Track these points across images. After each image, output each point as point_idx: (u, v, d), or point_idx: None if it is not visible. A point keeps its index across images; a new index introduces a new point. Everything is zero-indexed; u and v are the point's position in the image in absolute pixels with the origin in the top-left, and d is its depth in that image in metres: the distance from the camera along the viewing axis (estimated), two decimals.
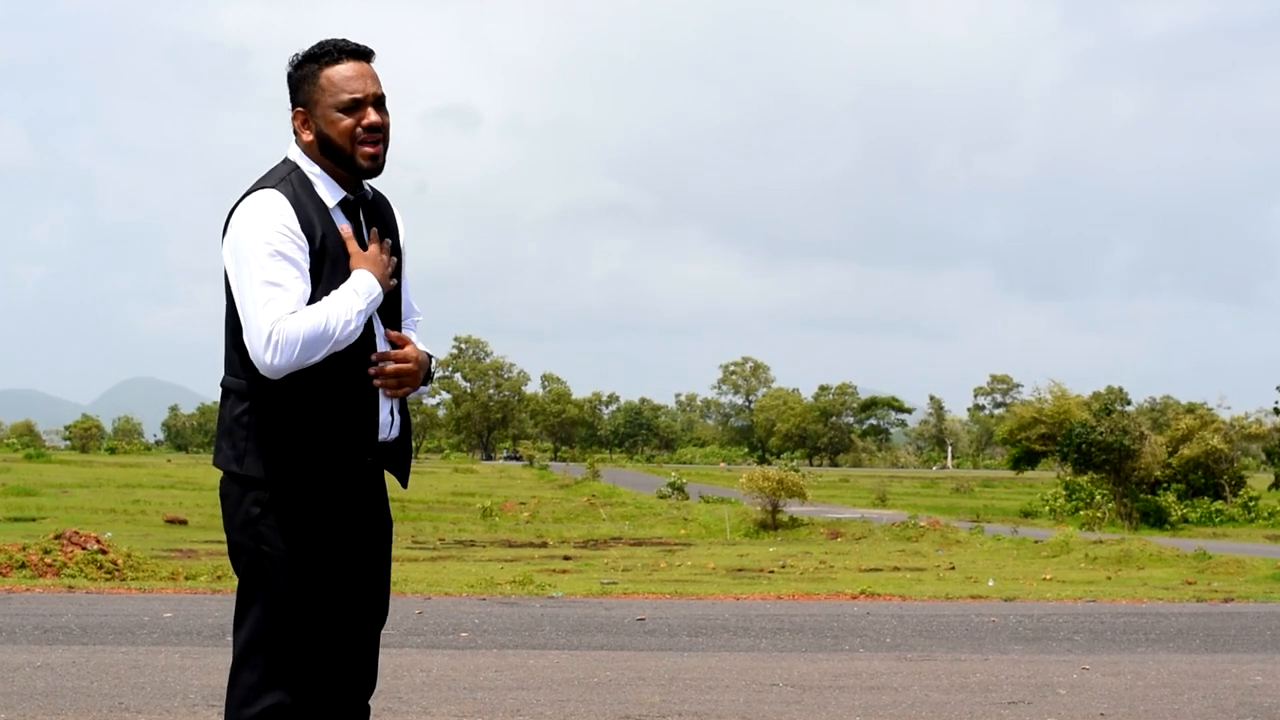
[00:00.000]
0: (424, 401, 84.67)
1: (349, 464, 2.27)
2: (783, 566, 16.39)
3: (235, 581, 2.39)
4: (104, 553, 11.49)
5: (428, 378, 2.37)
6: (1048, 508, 33.53)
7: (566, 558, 18.11)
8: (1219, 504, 32.88)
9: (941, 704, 4.99)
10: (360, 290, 2.23)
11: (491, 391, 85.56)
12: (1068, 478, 34.67)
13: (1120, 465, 31.67)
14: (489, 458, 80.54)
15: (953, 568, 16.42)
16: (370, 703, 2.48)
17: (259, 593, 2.26)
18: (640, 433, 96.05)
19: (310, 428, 2.23)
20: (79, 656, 5.80)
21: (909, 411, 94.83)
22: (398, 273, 2.40)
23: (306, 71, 2.28)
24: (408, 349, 2.32)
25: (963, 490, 45.59)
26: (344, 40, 2.30)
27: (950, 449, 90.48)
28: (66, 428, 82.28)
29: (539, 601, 9.49)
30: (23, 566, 10.89)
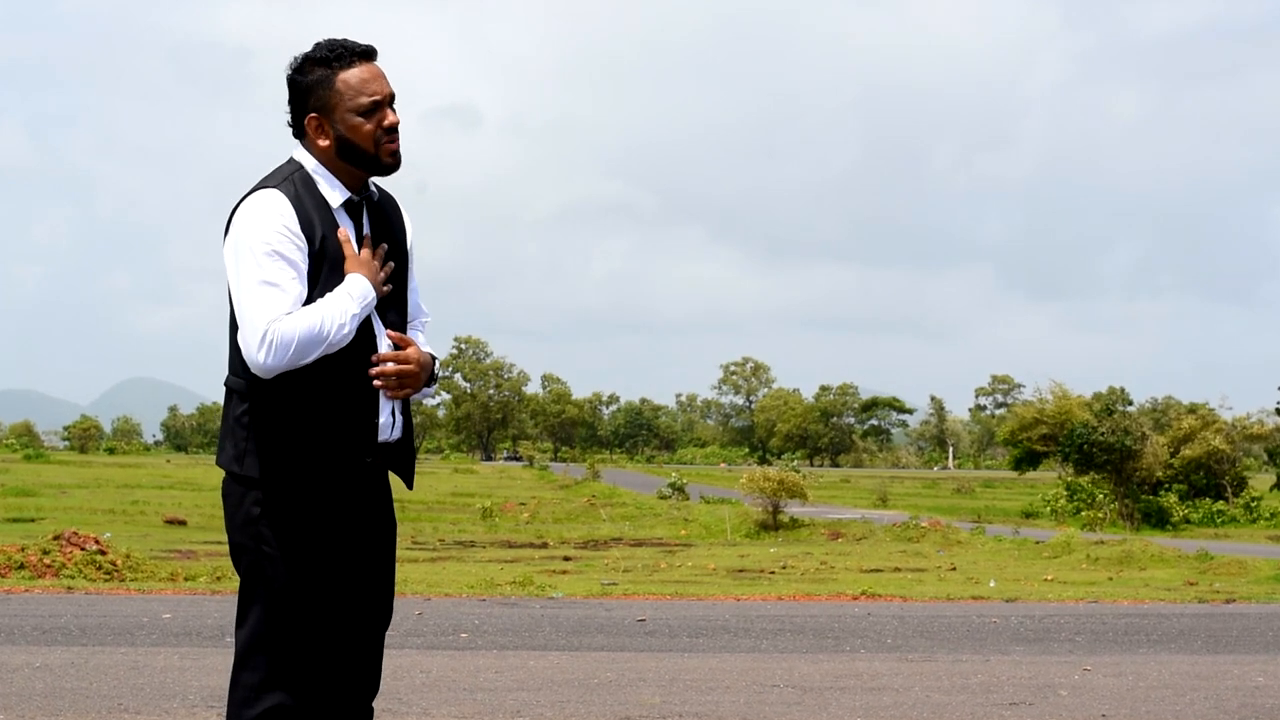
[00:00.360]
0: (424, 402, 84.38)
1: (348, 465, 2.27)
2: (783, 567, 16.38)
3: (235, 582, 2.38)
4: (103, 553, 11.48)
5: (431, 379, 2.36)
6: (1049, 508, 33.51)
7: (567, 558, 18.10)
8: (1221, 505, 32.85)
9: (943, 705, 4.98)
10: (354, 294, 2.23)
11: (491, 392, 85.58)
12: (1069, 478, 34.64)
13: (1122, 466, 31.65)
14: (489, 458, 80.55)
15: (954, 568, 16.40)
16: (373, 703, 2.46)
17: (260, 593, 2.26)
18: (640, 433, 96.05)
19: (309, 428, 2.23)
20: (78, 657, 5.79)
21: (910, 412, 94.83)
22: (403, 274, 2.39)
23: (318, 76, 2.26)
24: (409, 350, 2.31)
25: (964, 491, 45.57)
26: (349, 41, 2.29)
27: (951, 449, 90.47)
28: (65, 428, 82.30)
29: (539, 602, 9.47)
30: (21, 567, 10.88)
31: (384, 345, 2.31)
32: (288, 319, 2.16)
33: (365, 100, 2.27)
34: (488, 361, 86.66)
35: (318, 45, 2.30)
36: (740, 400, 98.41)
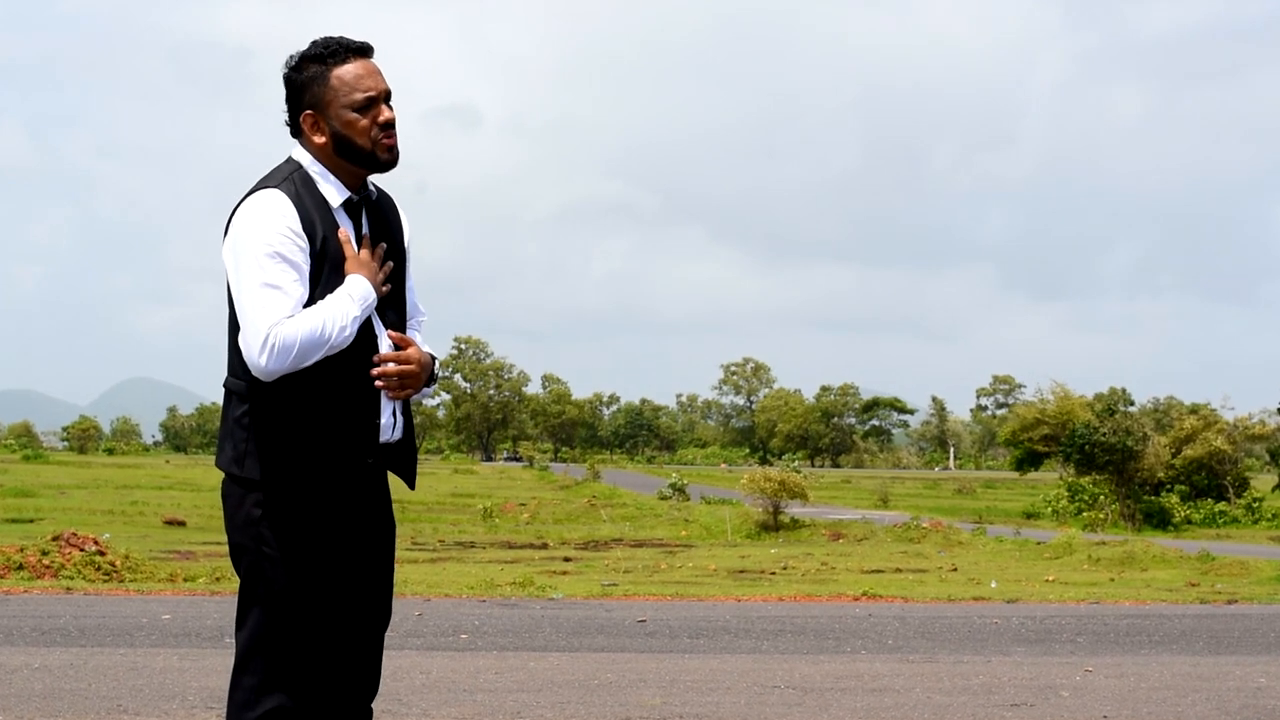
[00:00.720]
0: (424, 403, 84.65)
1: (349, 466, 2.26)
2: (784, 568, 16.37)
3: (234, 583, 2.37)
4: (102, 554, 11.47)
5: (431, 379, 2.35)
6: (1050, 509, 33.50)
7: (567, 559, 18.09)
8: (1222, 505, 32.83)
9: (944, 706, 4.96)
10: (355, 296, 2.22)
11: (491, 392, 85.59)
12: (1070, 479, 34.64)
13: (1123, 466, 31.65)
14: (489, 459, 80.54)
15: (955, 569, 16.39)
16: (372, 705, 2.46)
17: (260, 595, 2.25)
18: (641, 433, 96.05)
19: (310, 430, 2.22)
20: (77, 658, 5.78)
21: (911, 412, 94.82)
22: (401, 273, 2.38)
23: (314, 73, 2.26)
24: (410, 350, 2.30)
25: (965, 491, 45.56)
26: (345, 38, 2.28)
27: (952, 450, 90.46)
28: (64, 428, 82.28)
29: (539, 603, 9.46)
30: (20, 568, 10.87)
31: (384, 345, 2.31)
32: (289, 322, 2.15)
33: (360, 96, 2.26)
34: (488, 362, 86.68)
35: (313, 43, 2.29)
36: (741, 400, 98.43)
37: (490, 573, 13.75)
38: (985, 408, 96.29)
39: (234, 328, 2.24)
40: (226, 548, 2.33)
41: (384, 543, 2.38)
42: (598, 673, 5.66)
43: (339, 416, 2.23)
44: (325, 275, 2.22)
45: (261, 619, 2.24)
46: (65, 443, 77.65)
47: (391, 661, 5.57)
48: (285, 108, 2.30)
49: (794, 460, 49.72)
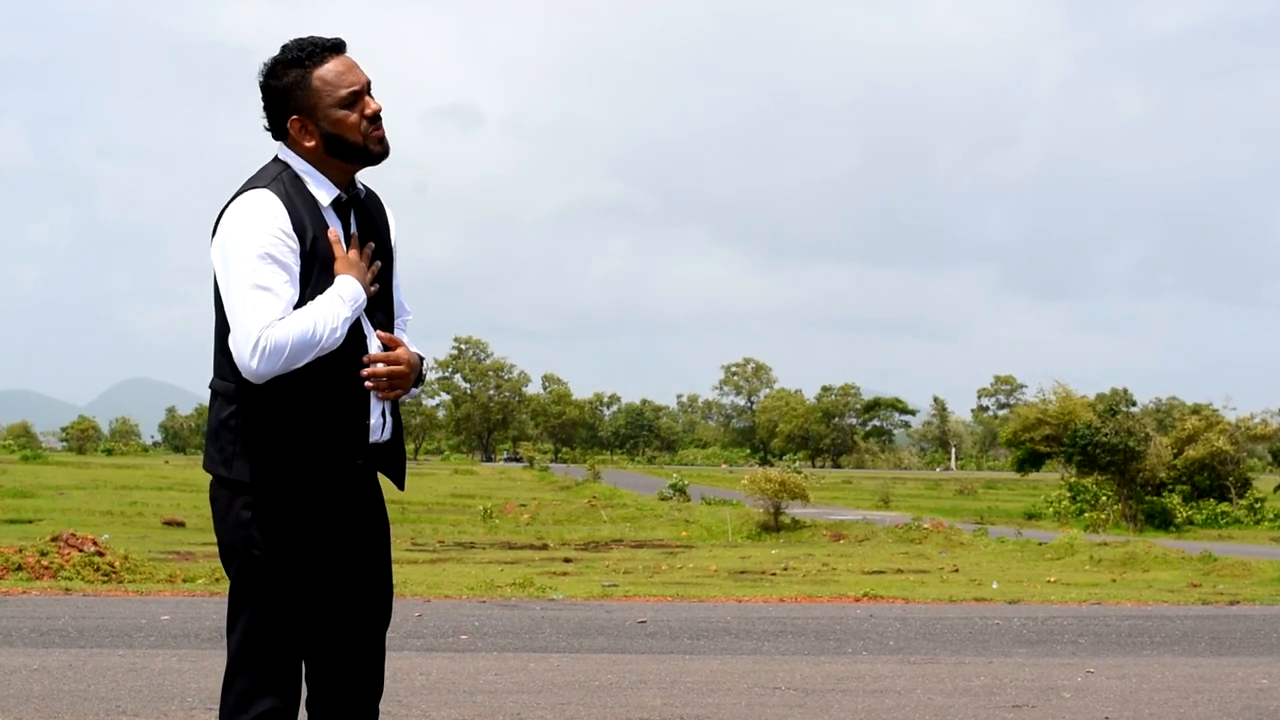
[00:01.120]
0: (423, 403, 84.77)
1: (339, 467, 2.25)
2: (785, 569, 16.35)
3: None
4: (101, 555, 11.46)
5: (419, 379, 2.35)
6: (1052, 509, 33.47)
7: (567, 560, 18.08)
8: (1224, 506, 32.80)
9: (945, 707, 4.95)
10: (345, 296, 2.21)
11: (492, 392, 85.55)
12: (1072, 479, 34.61)
13: (1125, 467, 31.62)
14: (489, 459, 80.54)
15: (956, 570, 16.37)
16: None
17: (251, 597, 2.24)
18: (641, 434, 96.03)
19: (299, 431, 2.21)
20: (76, 659, 5.77)
21: (912, 413, 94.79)
22: (387, 272, 2.38)
23: (294, 77, 2.24)
24: (399, 350, 2.30)
25: (966, 492, 45.55)
26: (316, 38, 2.27)
27: (954, 450, 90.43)
28: (63, 429, 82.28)
29: (539, 604, 9.45)
30: (19, 569, 10.85)
31: (374, 346, 2.30)
32: (280, 324, 2.13)
33: (345, 92, 2.25)
34: (488, 362, 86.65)
35: (286, 47, 2.27)
36: (741, 401, 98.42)
37: (490, 573, 13.74)
38: (987, 408, 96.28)
39: (221, 329, 2.23)
40: (218, 549, 2.32)
41: (377, 543, 2.36)
42: (598, 674, 5.65)
43: (328, 418, 2.22)
44: (315, 276, 2.21)
45: (252, 621, 2.23)
46: (64, 443, 77.68)
47: (391, 662, 5.56)
48: (265, 114, 2.29)
49: (795, 461, 49.74)
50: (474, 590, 10.90)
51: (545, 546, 21.51)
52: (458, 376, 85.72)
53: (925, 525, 23.45)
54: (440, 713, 4.65)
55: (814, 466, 78.74)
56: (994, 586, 13.18)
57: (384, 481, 2.43)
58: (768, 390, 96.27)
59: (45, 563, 11.03)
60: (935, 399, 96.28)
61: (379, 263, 2.33)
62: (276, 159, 2.30)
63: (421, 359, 2.35)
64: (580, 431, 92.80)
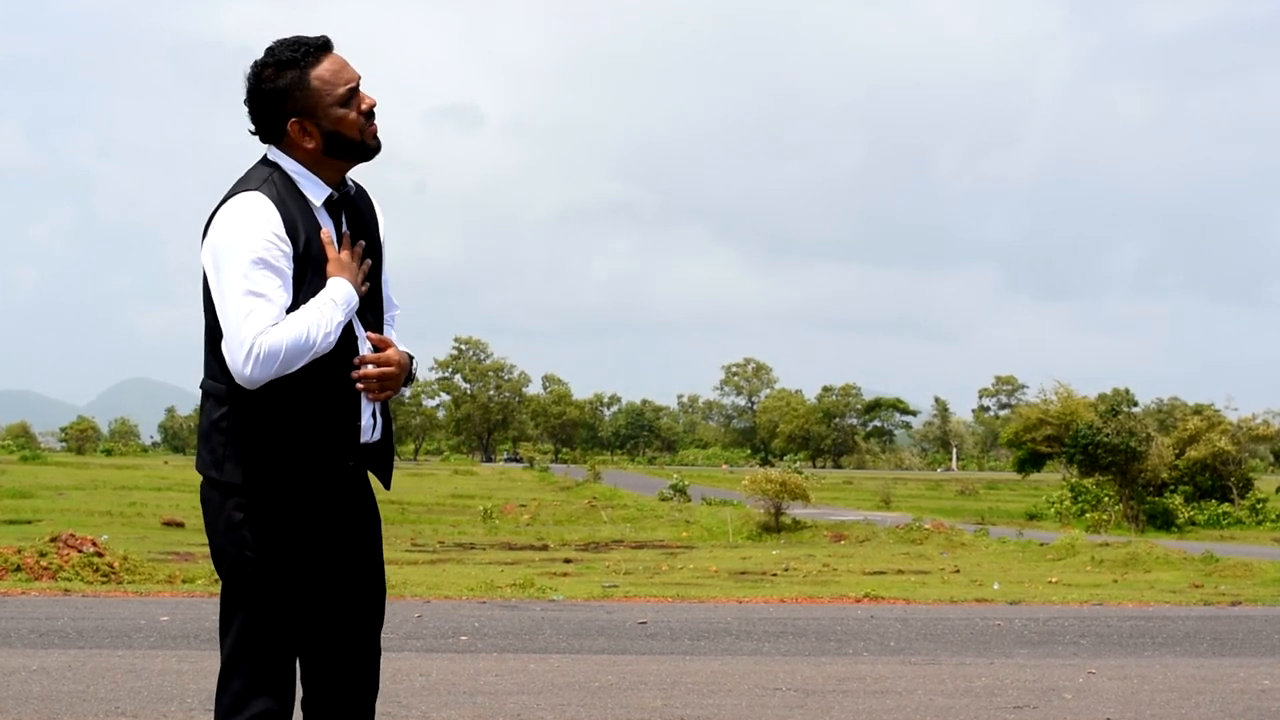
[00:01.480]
0: (423, 403, 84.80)
1: (331, 468, 2.25)
2: (786, 569, 16.33)
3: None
4: (100, 555, 11.44)
5: (409, 379, 2.35)
6: (1053, 510, 33.44)
7: (567, 560, 18.06)
8: (1226, 506, 32.76)
9: (946, 708, 4.93)
10: (338, 299, 2.21)
11: (492, 393, 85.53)
12: (1073, 480, 34.58)
13: (1127, 467, 31.59)
14: (489, 459, 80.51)
15: (957, 571, 16.36)
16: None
17: (244, 598, 2.23)
18: (642, 434, 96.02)
19: (291, 432, 2.20)
20: (75, 660, 5.76)
21: (914, 413, 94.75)
22: (378, 270, 2.37)
23: (291, 79, 2.23)
24: (389, 351, 2.29)
25: (967, 492, 45.53)
26: (306, 38, 2.26)
27: (955, 451, 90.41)
28: (62, 429, 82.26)
29: (540, 605, 9.43)
30: (18, 569, 10.84)
31: (364, 347, 2.29)
32: (274, 330, 2.13)
33: (343, 90, 2.25)
34: (488, 362, 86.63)
35: (274, 50, 2.25)
36: (742, 401, 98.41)
37: (490, 574, 13.72)
38: (988, 408, 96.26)
39: (211, 330, 2.23)
40: (210, 551, 2.31)
41: (369, 542, 2.36)
42: (598, 675, 5.64)
43: (320, 419, 2.22)
44: (309, 278, 2.21)
45: (245, 623, 2.23)
46: (63, 443, 77.65)
47: (391, 664, 5.55)
48: (257, 119, 2.26)
49: (795, 461, 49.66)
50: (474, 591, 10.88)
51: (545, 547, 21.49)
52: (458, 377, 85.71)
53: (926, 526, 23.43)
54: (440, 714, 4.64)
55: (815, 467, 78.72)
56: (995, 587, 13.17)
57: (373, 480, 2.43)
58: (768, 390, 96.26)
59: (44, 563, 11.02)
60: (936, 399, 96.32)
61: (369, 261, 2.32)
62: (265, 160, 2.28)
63: (411, 358, 2.34)
64: (580, 432, 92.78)
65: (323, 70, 2.23)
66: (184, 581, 11.49)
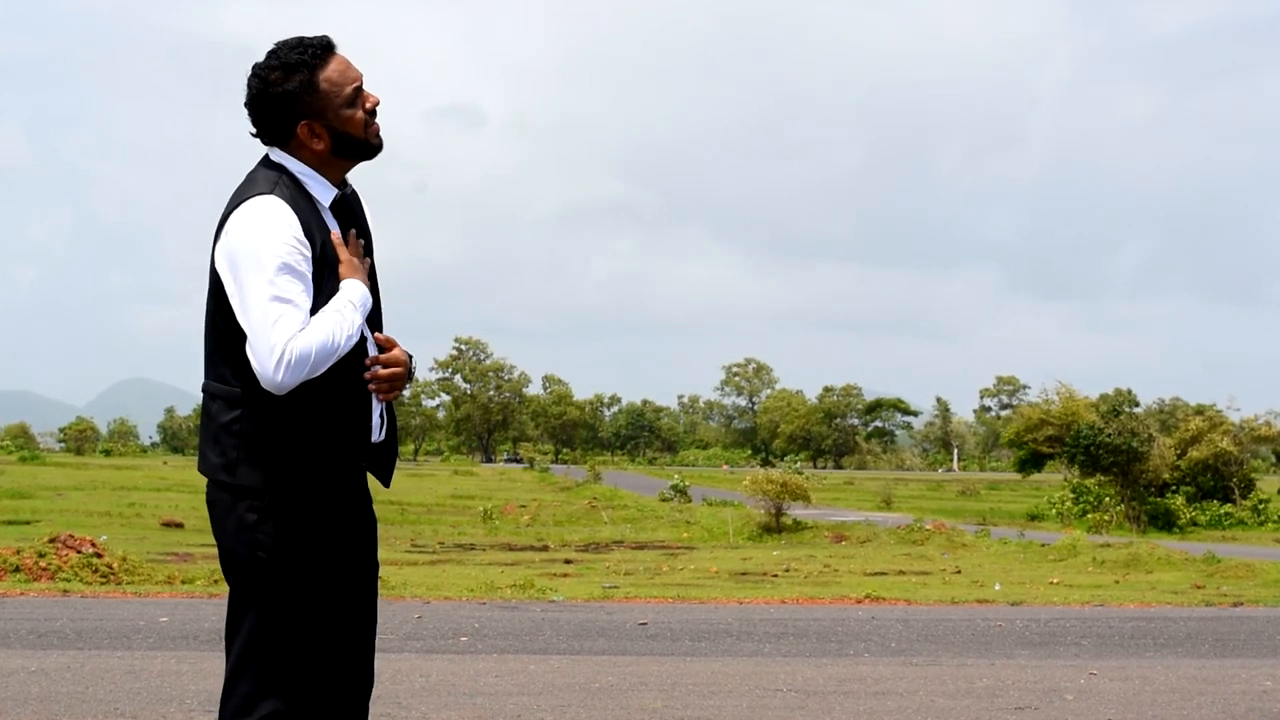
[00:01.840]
0: (423, 403, 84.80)
1: (346, 469, 2.26)
2: (786, 570, 16.32)
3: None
4: (99, 556, 11.43)
5: (409, 377, 2.37)
6: (1055, 510, 33.43)
7: (568, 561, 18.05)
8: (1228, 507, 32.73)
9: (947, 709, 4.92)
10: (356, 301, 2.23)
11: (492, 393, 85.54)
12: (1075, 480, 34.56)
13: (1128, 467, 31.57)
14: (489, 460, 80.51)
15: (959, 571, 16.34)
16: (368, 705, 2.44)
17: (255, 600, 2.23)
18: (642, 435, 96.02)
19: (310, 435, 2.21)
20: (74, 661, 5.75)
21: (915, 413, 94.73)
22: (372, 266, 2.38)
23: (300, 81, 2.22)
24: (395, 351, 2.31)
25: (969, 493, 45.52)
26: (310, 39, 2.26)
27: (956, 451, 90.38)
28: (61, 430, 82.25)
29: (540, 606, 9.42)
30: (17, 570, 10.83)
31: (371, 348, 2.31)
32: (302, 335, 2.14)
33: (350, 90, 2.26)
34: (488, 362, 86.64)
35: (279, 53, 2.24)
36: (743, 401, 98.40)
37: (490, 575, 13.72)
38: (989, 409, 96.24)
39: (216, 332, 2.22)
40: (218, 553, 2.30)
41: (369, 542, 2.38)
42: (599, 676, 5.63)
43: (336, 421, 2.23)
44: (325, 281, 2.22)
45: (257, 624, 2.22)
46: (62, 444, 77.66)
47: (391, 664, 5.53)
48: (264, 122, 2.25)
49: (796, 462, 49.68)
50: (474, 592, 10.87)
51: (545, 548, 21.48)
52: (458, 377, 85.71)
53: (927, 526, 23.41)
54: (440, 715, 4.62)
55: (815, 467, 78.70)
56: (996, 588, 13.15)
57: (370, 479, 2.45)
58: (769, 391, 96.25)
59: (43, 564, 11.00)
60: (938, 399, 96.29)
61: (368, 260, 2.34)
62: (270, 162, 2.27)
63: (410, 356, 2.36)
64: (581, 432, 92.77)
65: (330, 72, 2.24)
66: (183, 582, 11.47)
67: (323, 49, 2.24)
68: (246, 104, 2.26)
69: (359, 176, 2.38)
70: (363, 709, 2.35)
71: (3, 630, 6.91)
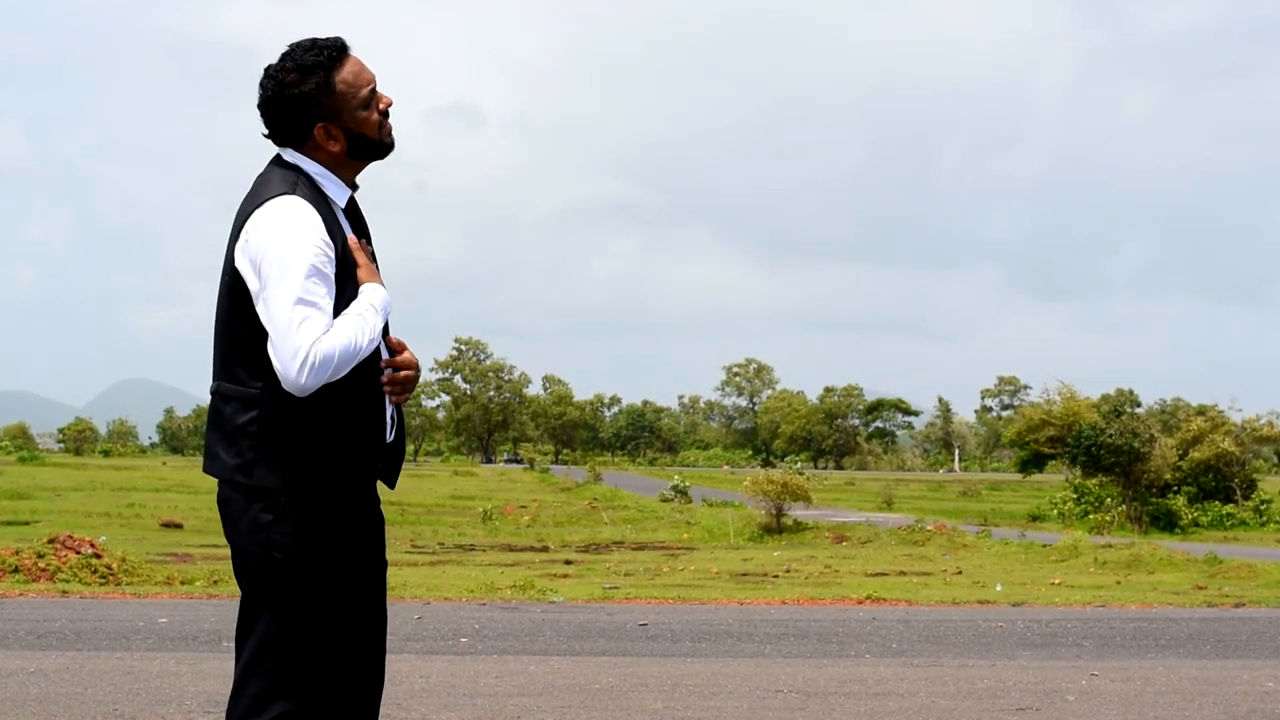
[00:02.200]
0: (423, 404, 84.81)
1: (363, 470, 2.26)
2: (787, 571, 16.31)
3: (232, 586, 2.34)
4: (98, 557, 11.43)
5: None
6: (1056, 511, 33.41)
7: (568, 562, 18.04)
8: (1230, 507, 32.72)
9: (948, 710, 4.91)
10: (377, 304, 2.23)
11: (492, 393, 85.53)
12: (1076, 481, 34.55)
13: (1130, 468, 31.57)
14: (489, 461, 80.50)
15: (960, 572, 16.33)
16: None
17: (269, 601, 2.22)
18: (642, 435, 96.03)
19: (328, 436, 2.21)
20: (73, 662, 5.74)
21: (916, 414, 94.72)
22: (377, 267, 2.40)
23: (317, 83, 2.22)
24: (407, 354, 2.31)
25: (970, 493, 45.50)
26: (321, 40, 2.25)
27: (957, 452, 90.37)
28: (60, 430, 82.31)
29: (540, 606, 9.41)
30: (16, 571, 10.83)
31: (383, 350, 2.32)
32: (326, 339, 2.13)
33: (365, 92, 2.26)
34: (488, 363, 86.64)
35: (294, 55, 2.24)
36: (743, 402, 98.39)
37: (490, 576, 13.71)
38: (990, 409, 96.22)
39: (229, 331, 2.21)
40: (225, 551, 2.32)
41: (379, 541, 2.38)
42: (599, 677, 5.62)
43: (354, 422, 2.23)
44: (345, 283, 2.22)
45: (271, 625, 2.21)
46: (61, 444, 77.68)
47: (391, 665, 5.51)
48: (279, 124, 2.24)
49: (797, 462, 49.67)
50: (474, 593, 10.86)
51: (546, 549, 21.47)
52: (458, 377, 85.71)
53: (928, 527, 23.40)
54: (440, 716, 4.62)
55: (816, 468, 78.68)
56: (998, 589, 13.14)
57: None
58: (770, 391, 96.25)
59: (42, 565, 11.00)
60: (939, 400, 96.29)
61: (376, 262, 2.35)
62: (284, 162, 2.26)
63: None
64: (581, 433, 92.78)
65: (346, 73, 2.23)
66: (182, 583, 11.47)
67: (338, 51, 2.23)
68: (261, 106, 2.24)
69: (361, 177, 2.37)
70: (373, 710, 2.34)
71: (2, 631, 6.90)
